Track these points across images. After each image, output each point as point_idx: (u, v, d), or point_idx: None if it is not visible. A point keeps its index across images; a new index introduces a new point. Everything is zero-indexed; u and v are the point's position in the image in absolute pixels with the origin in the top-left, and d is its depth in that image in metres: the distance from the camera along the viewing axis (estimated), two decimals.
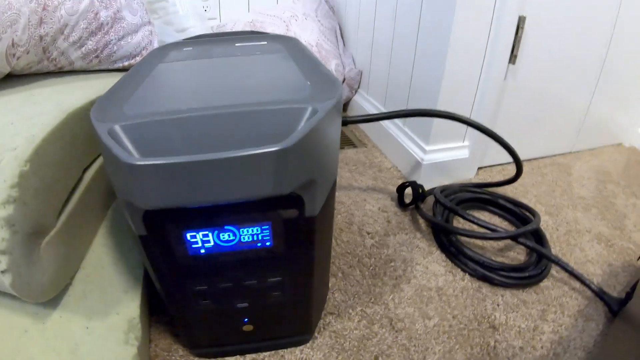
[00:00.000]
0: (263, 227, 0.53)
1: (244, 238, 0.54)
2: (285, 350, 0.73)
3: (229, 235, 0.53)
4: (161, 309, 0.75)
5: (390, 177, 1.19)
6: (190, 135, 0.45)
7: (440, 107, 1.09)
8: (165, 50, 0.78)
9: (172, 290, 0.59)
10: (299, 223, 0.54)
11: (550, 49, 1.24)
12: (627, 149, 1.73)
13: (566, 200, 1.29)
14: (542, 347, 0.82)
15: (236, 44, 0.79)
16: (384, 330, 0.78)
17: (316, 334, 0.75)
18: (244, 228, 0.53)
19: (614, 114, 1.61)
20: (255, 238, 0.54)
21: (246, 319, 0.66)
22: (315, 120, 0.47)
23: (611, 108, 1.57)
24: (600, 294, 0.92)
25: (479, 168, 1.33)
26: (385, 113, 0.93)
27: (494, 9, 1.03)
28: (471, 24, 1.02)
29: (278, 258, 0.58)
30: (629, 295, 0.88)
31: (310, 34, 1.46)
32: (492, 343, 0.80)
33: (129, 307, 0.66)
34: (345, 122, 0.87)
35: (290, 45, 0.78)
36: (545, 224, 1.16)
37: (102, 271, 0.68)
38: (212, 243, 0.53)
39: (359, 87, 1.51)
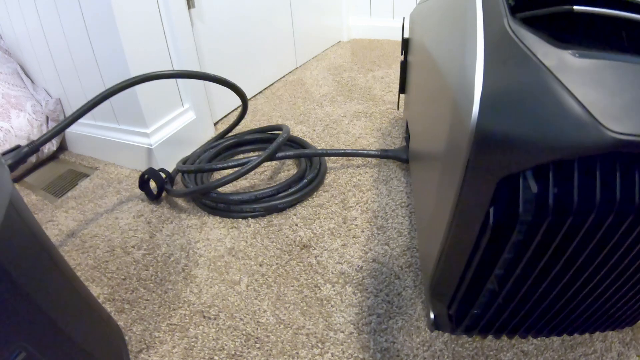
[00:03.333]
0: None
1: None
2: None
3: None
4: None
5: (132, 182, 1.06)
6: None
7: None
8: None
9: None
10: None
11: None
12: (348, 43, 1.86)
13: (311, 103, 1.29)
14: (362, 232, 0.78)
15: None
16: (201, 327, 0.67)
17: None
18: None
19: (321, 20, 1.74)
20: None
21: None
22: None
23: (316, 16, 1.70)
24: (384, 154, 0.91)
25: (215, 123, 1.25)
26: (75, 112, 0.79)
27: None
28: None
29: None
30: (408, 138, 0.88)
31: None
32: (314, 260, 0.74)
33: None
34: (28, 155, 0.71)
35: None
36: (301, 132, 1.14)
37: None
38: None
39: (64, 116, 1.32)
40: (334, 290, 0.68)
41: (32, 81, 1.34)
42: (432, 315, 0.56)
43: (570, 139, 0.33)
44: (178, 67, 1.07)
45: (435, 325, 0.56)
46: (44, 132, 1.22)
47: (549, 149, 0.34)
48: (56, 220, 0.94)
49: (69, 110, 1.26)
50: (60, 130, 0.79)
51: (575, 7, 0.42)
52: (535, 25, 0.42)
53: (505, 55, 0.38)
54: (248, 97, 1.36)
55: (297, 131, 1.14)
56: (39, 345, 0.47)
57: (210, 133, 1.19)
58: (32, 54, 1.23)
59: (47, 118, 1.28)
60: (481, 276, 0.46)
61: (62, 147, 1.30)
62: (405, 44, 0.87)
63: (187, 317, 0.68)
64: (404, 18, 0.91)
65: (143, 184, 0.95)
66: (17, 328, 0.44)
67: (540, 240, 0.38)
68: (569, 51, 0.37)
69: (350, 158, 0.97)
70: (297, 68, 1.64)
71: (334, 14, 1.86)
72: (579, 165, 0.35)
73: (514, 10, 0.44)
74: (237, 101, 1.32)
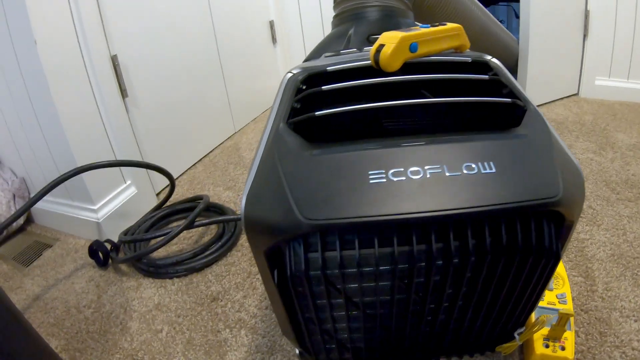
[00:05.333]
0: None
1: None
2: None
3: None
4: None
5: (86, 252, 1.29)
6: None
7: (81, 164, 1.18)
8: None
9: None
10: None
11: (158, 69, 1.49)
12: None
13: (240, 169, 1.55)
14: (261, 284, 1.02)
15: None
16: None
17: None
18: None
19: (254, 85, 2.00)
20: None
21: None
22: None
23: (249, 81, 1.95)
24: None
25: (158, 193, 1.49)
26: (28, 201, 1.03)
27: (84, 60, 1.19)
28: (67, 79, 1.15)
29: None
30: None
31: None
32: (219, 310, 0.98)
33: None
34: None
35: None
36: (228, 197, 1.38)
37: None
38: None
39: (29, 193, 1.54)
40: (231, 334, 0.92)
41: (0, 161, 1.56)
42: (297, 351, 0.71)
43: (284, 223, 0.48)
44: (117, 148, 1.32)
45: (301, 355, 0.72)
46: (12, 208, 1.46)
47: (278, 230, 0.49)
48: (24, 286, 1.17)
49: (33, 188, 1.49)
50: (19, 215, 1.03)
51: (316, 113, 0.56)
52: (304, 126, 0.56)
53: (267, 159, 0.54)
54: (187, 166, 1.60)
55: (224, 197, 1.39)
56: None
57: (152, 203, 1.43)
58: None
59: (14, 195, 1.51)
60: (302, 321, 0.60)
61: (29, 220, 1.53)
62: None
63: None
64: None
65: (92, 253, 1.19)
66: None
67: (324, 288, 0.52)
68: (308, 152, 0.52)
69: None
70: (235, 133, 1.88)
71: (271, 78, 2.10)
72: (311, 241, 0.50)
73: (296, 113, 0.58)
74: (177, 171, 1.56)
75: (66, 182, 1.08)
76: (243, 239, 1.17)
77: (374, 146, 0.52)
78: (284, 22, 2.06)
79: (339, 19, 0.92)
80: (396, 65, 0.57)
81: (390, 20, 0.87)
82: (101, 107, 1.26)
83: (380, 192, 0.47)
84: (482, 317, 0.62)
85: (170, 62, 1.54)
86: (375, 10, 0.87)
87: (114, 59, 1.31)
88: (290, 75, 0.64)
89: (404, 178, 0.48)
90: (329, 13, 1.89)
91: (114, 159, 1.29)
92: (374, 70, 0.59)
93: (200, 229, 1.25)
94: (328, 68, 0.63)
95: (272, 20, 2.04)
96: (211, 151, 1.76)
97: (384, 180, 0.48)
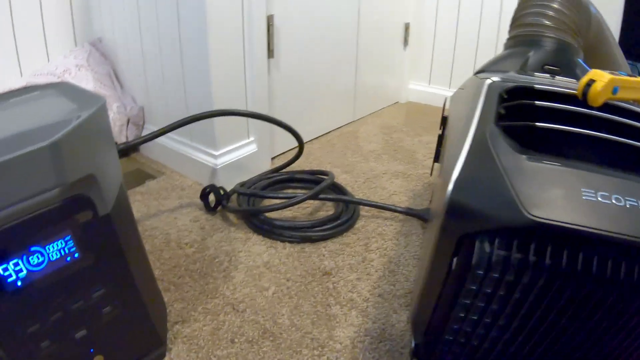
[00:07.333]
0: (65, 239, 0.56)
1: (52, 256, 0.56)
2: None
3: (37, 257, 0.55)
4: None
5: (193, 192, 1.26)
6: None
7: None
8: None
9: (7, 344, 0.57)
10: (96, 224, 0.58)
11: (304, 37, 1.47)
12: (404, 105, 2.07)
13: (358, 157, 1.49)
14: (376, 271, 0.96)
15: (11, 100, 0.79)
16: (229, 316, 0.84)
17: (170, 345, 0.78)
18: (49, 245, 0.55)
19: (382, 80, 1.95)
20: (62, 253, 0.57)
21: (92, 349, 0.67)
22: (80, 120, 0.52)
23: (377, 76, 1.92)
24: (408, 212, 1.09)
25: (273, 158, 1.45)
26: (162, 128, 1.00)
27: (243, 13, 1.19)
28: (225, 30, 1.16)
29: (92, 268, 0.61)
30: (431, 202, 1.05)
31: (86, 84, 1.47)
32: (331, 285, 0.91)
33: None
34: (126, 151, 0.92)
35: (60, 87, 0.80)
36: (345, 180, 1.33)
37: None
38: (24, 271, 0.54)
39: (144, 122, 1.55)
40: (341, 311, 0.85)
41: (121, 86, 1.57)
42: (413, 344, 0.72)
43: (502, 215, 0.50)
44: (251, 105, 1.29)
45: (414, 352, 0.72)
46: (123, 132, 1.45)
47: (490, 219, 0.51)
48: None
49: (150, 119, 1.48)
50: (152, 138, 1.00)
51: (537, 124, 0.62)
52: (514, 132, 0.61)
53: (478, 153, 0.57)
54: (305, 140, 1.56)
55: (341, 179, 1.33)
56: (115, 288, 0.65)
57: (266, 166, 1.39)
58: (127, 61, 1.47)
59: (128, 120, 1.51)
60: (446, 315, 0.62)
61: (134, 148, 1.52)
62: (444, 120, 1.06)
63: (219, 306, 0.86)
64: (446, 98, 1.10)
65: (204, 195, 1.15)
66: (104, 274, 0.63)
67: (490, 291, 0.55)
68: (525, 156, 0.56)
69: (380, 210, 1.15)
70: (353, 121, 1.84)
71: (396, 76, 2.06)
72: (513, 236, 0.52)
73: (501, 118, 0.64)
74: (295, 143, 1.52)
75: (194, 123, 1.07)
76: (359, 224, 1.11)
77: (585, 168, 0.56)
78: (419, 25, 2.03)
79: (514, 41, 0.99)
80: (600, 101, 0.63)
81: (564, 55, 0.92)
82: (247, 61, 1.25)
83: (593, 209, 0.50)
84: None
85: (315, 36, 1.52)
86: (552, 41, 0.92)
87: (270, 19, 1.29)
88: (490, 82, 0.74)
89: (609, 202, 0.51)
90: (467, 22, 1.87)
91: None
92: (576, 99, 0.66)
93: (315, 203, 1.19)
94: (536, 86, 0.73)
95: (408, 23, 2.02)
96: (329, 132, 1.72)
97: (594, 199, 0.51)
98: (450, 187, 0.54)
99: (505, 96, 0.70)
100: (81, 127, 0.52)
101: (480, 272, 0.52)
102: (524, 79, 0.76)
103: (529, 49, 0.93)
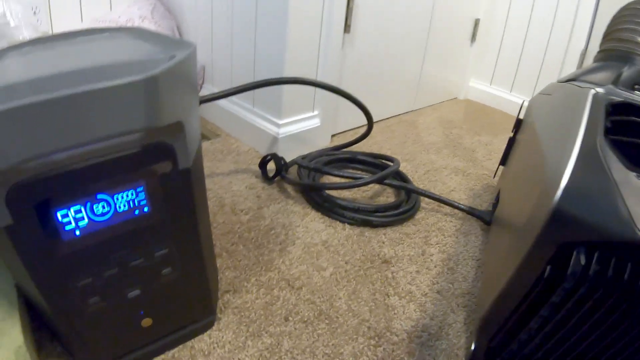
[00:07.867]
0: (138, 190, 0.52)
1: (119, 207, 0.52)
2: (192, 340, 0.71)
3: (103, 206, 0.51)
4: (46, 330, 0.70)
5: (250, 158, 1.22)
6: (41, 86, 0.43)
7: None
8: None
9: (54, 295, 0.54)
10: (174, 178, 0.54)
11: (380, 18, 1.40)
12: (463, 101, 1.98)
13: (419, 147, 1.42)
14: (435, 267, 0.90)
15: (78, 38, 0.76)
16: (284, 292, 0.80)
17: (219, 315, 0.75)
18: (118, 194, 0.51)
19: (445, 74, 1.88)
20: (131, 205, 0.53)
21: (142, 311, 0.63)
22: (176, 60, 0.47)
23: (442, 69, 1.85)
24: (471, 211, 1.03)
25: (333, 135, 1.40)
26: (237, 87, 0.96)
27: None
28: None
29: (160, 225, 0.57)
30: (495, 205, 0.99)
31: None
32: (390, 274, 0.86)
33: (12, 335, 0.60)
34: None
35: (133, 30, 0.76)
36: (405, 169, 1.27)
37: None
38: (86, 220, 0.51)
39: (203, 82, 1.51)
40: (399, 303, 0.80)
41: None
42: (473, 347, 0.69)
43: (612, 229, 0.48)
44: (321, 77, 1.24)
45: (473, 356, 0.69)
46: None
47: (597, 232, 0.49)
48: None
49: (210, 79, 1.44)
50: (223, 96, 0.96)
51: None
52: (622, 145, 0.61)
53: (589, 163, 0.56)
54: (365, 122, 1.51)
55: (402, 167, 1.27)
56: (179, 249, 0.61)
57: (325, 141, 1.34)
58: (194, 16, 1.42)
59: None
60: (522, 320, 0.60)
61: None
62: (518, 123, 0.99)
63: (274, 280, 0.82)
64: (523, 101, 1.03)
65: (263, 163, 1.11)
66: (172, 233, 0.59)
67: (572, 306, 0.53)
68: (634, 174, 0.56)
69: (441, 205, 1.09)
70: (412, 111, 1.78)
71: (458, 71, 1.98)
72: (614, 252, 0.50)
73: (608, 131, 0.63)
74: (357, 121, 1.47)
75: (260, 89, 1.02)
76: (419, 215, 1.05)
77: None
78: (488, 21, 1.93)
79: (605, 54, 0.98)
80: None
81: None
82: (324, 33, 1.19)
83: None
84: None
85: (391, 20, 1.45)
86: None
87: None
88: (594, 92, 0.74)
89: None
90: (537, 27, 1.75)
91: None
92: None
93: (375, 187, 1.14)
94: None
95: (479, 19, 1.93)
96: (388, 118, 1.66)
97: None
98: (559, 194, 0.53)
99: (610, 109, 0.70)
100: (176, 68, 0.47)
101: (569, 284, 0.52)
102: (626, 95, 0.76)
103: (623, 65, 0.91)
